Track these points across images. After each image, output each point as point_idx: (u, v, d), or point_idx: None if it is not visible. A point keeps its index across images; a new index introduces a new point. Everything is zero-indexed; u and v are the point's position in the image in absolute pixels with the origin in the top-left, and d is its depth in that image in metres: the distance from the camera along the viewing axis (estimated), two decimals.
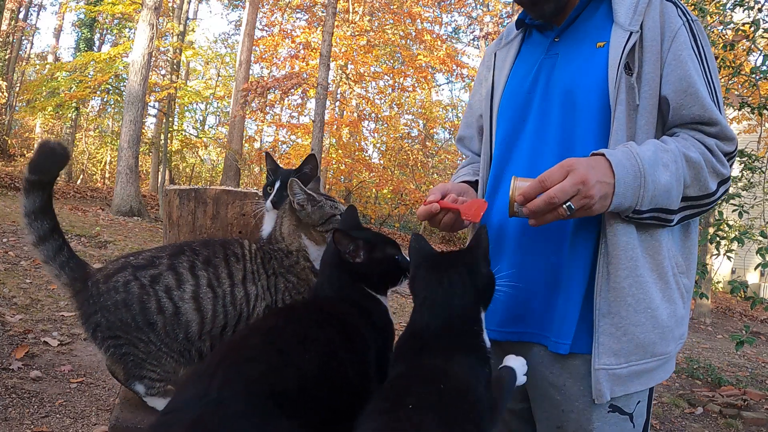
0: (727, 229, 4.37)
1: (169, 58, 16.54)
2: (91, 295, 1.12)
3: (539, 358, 1.18)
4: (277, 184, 1.33)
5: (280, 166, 1.40)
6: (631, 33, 1.12)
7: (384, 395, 0.84)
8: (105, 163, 20.01)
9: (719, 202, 1.18)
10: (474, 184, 1.37)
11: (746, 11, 3.93)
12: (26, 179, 1.14)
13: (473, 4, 18.24)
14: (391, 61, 17.09)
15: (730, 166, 1.14)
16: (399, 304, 6.10)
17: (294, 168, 1.37)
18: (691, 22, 1.15)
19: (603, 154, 1.01)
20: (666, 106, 1.12)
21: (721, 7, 3.95)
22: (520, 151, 1.25)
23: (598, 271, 1.09)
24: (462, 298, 0.96)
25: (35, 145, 1.24)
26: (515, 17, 1.42)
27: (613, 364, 1.08)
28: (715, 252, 4.54)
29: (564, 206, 0.96)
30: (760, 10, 3.92)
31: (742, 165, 4.38)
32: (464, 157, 1.55)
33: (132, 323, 1.10)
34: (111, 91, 15.31)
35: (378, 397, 0.84)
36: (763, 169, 4.51)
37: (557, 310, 1.14)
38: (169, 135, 15.05)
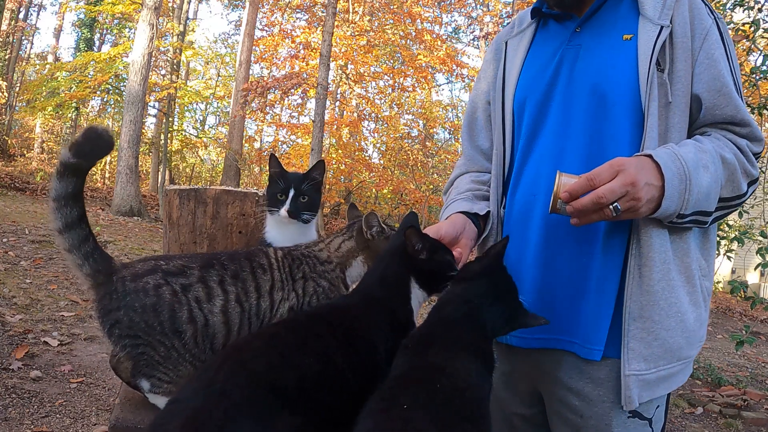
0: (727, 229, 4.38)
1: (169, 58, 16.54)
2: (116, 291, 1.09)
3: (557, 362, 1.15)
4: (292, 192, 1.30)
5: (286, 170, 1.38)
6: (661, 27, 1.09)
7: (381, 395, 0.85)
8: (105, 163, 19.98)
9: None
10: (469, 214, 1.26)
11: (746, 11, 3.93)
12: (63, 162, 1.08)
13: (473, 4, 18.24)
14: (391, 61, 17.09)
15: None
16: None
17: (303, 172, 1.36)
18: (718, 20, 1.13)
19: (650, 156, 0.99)
20: (697, 104, 1.10)
21: (721, 7, 3.94)
22: (541, 144, 1.20)
23: (629, 273, 1.06)
24: (501, 322, 1.00)
25: (83, 130, 1.16)
26: (515, 17, 1.40)
27: (643, 370, 1.05)
28: (715, 252, 4.55)
29: (611, 206, 0.94)
30: (760, 10, 3.92)
31: None
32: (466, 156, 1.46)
33: (158, 327, 1.08)
34: (111, 91, 15.32)
35: (376, 396, 0.85)
36: (763, 169, 4.51)
37: (585, 314, 1.11)
38: (169, 135, 15.05)
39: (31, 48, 21.86)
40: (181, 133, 17.72)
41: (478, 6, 18.09)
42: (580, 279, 1.11)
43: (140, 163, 13.56)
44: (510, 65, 1.29)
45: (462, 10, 18.51)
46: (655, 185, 0.96)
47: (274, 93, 13.42)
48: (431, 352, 0.92)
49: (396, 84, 16.36)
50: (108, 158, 19.40)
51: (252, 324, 1.14)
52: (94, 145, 1.10)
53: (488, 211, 1.27)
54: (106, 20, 18.43)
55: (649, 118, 1.07)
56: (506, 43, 1.33)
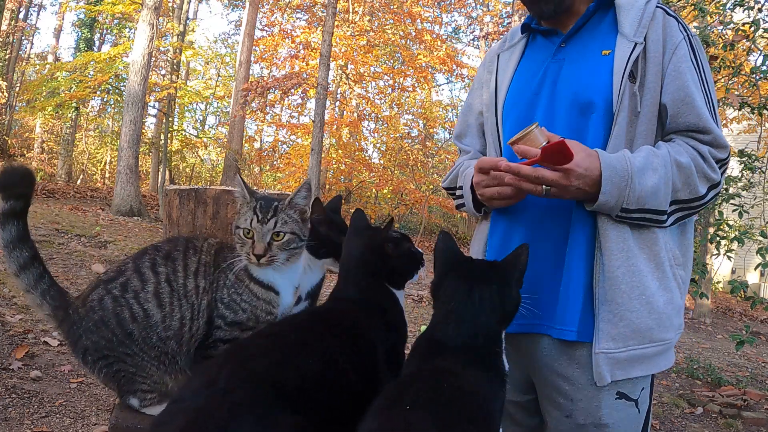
0: (727, 229, 4.36)
1: (169, 58, 16.54)
2: (74, 322, 1.14)
3: (546, 349, 1.23)
4: None
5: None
6: (635, 44, 1.20)
7: (387, 394, 0.85)
8: (105, 163, 19.99)
9: (717, 203, 1.25)
10: None
11: (746, 11, 3.92)
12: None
13: (473, 4, 18.25)
14: (391, 61, 17.08)
15: (723, 172, 1.23)
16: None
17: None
18: (690, 37, 1.25)
19: (598, 155, 1.13)
20: (665, 113, 1.22)
21: (721, 7, 3.94)
22: None
23: (596, 262, 1.18)
24: (488, 317, 0.99)
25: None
26: (515, 17, 1.45)
27: (612, 348, 1.16)
28: (715, 252, 4.54)
29: (543, 187, 1.12)
30: (760, 10, 3.92)
31: (742, 165, 4.37)
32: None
33: (114, 339, 1.12)
34: (111, 91, 15.31)
35: (382, 395, 0.85)
36: (763, 169, 4.51)
37: (561, 298, 1.21)
38: (169, 135, 15.04)
39: (31, 48, 21.87)
40: (181, 133, 17.70)
41: (478, 6, 18.10)
42: (557, 264, 1.23)
43: (140, 163, 13.55)
44: (502, 76, 1.41)
45: (462, 10, 18.53)
46: (585, 191, 1.12)
47: (274, 93, 13.41)
48: (440, 358, 0.93)
49: (396, 84, 16.35)
50: (108, 158, 19.45)
51: (182, 306, 1.15)
52: (12, 177, 1.13)
53: None
54: (106, 20, 18.41)
55: (616, 127, 1.19)
56: (498, 56, 1.45)
